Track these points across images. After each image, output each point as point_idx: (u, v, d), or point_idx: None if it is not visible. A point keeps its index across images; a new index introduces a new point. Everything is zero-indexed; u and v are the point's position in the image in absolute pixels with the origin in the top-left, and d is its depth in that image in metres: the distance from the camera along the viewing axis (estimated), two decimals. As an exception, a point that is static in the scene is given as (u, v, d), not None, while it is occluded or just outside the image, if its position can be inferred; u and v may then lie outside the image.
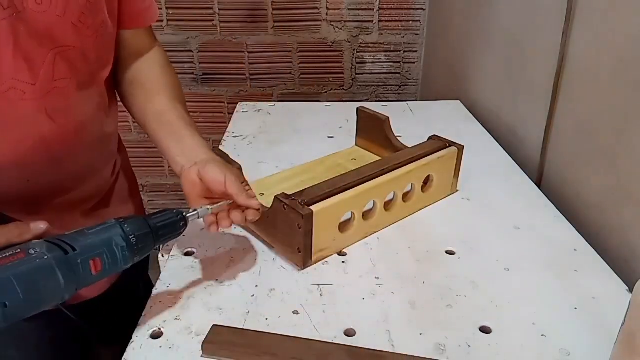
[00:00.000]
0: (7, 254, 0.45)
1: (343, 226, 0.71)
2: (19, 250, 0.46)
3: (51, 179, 0.67)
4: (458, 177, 0.86)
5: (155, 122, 0.71)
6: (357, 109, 0.97)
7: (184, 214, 0.57)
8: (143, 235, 0.52)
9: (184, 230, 0.57)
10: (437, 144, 0.83)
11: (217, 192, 0.61)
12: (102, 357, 0.89)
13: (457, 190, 0.87)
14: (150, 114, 0.72)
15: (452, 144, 0.83)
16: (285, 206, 0.65)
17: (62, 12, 0.59)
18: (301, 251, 0.66)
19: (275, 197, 0.66)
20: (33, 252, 0.46)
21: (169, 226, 0.55)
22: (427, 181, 0.81)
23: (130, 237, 0.51)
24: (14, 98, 0.58)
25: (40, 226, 0.51)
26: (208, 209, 0.59)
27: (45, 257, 0.46)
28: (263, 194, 0.79)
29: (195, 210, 0.58)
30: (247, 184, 0.66)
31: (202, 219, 0.60)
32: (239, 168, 0.73)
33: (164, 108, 0.72)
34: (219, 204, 0.60)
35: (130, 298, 0.75)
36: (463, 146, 0.83)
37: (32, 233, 0.50)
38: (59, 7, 0.58)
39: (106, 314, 0.78)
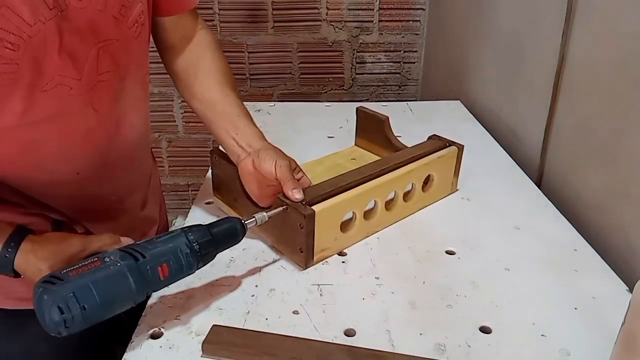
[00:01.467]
0: (86, 262, 0.50)
1: (344, 226, 0.71)
2: (95, 258, 0.51)
3: (98, 171, 0.69)
4: (458, 176, 0.86)
5: (211, 112, 0.74)
6: (357, 109, 0.97)
7: (243, 221, 0.61)
8: (205, 243, 0.56)
9: (243, 237, 0.61)
10: (437, 143, 0.83)
11: (271, 180, 0.66)
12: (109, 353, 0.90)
13: (457, 190, 0.87)
14: (206, 104, 0.75)
15: (452, 143, 0.83)
16: (287, 206, 0.65)
17: (103, 6, 0.60)
18: (303, 251, 0.66)
19: (277, 197, 0.66)
20: (108, 260, 0.51)
21: (229, 234, 0.59)
22: (427, 181, 0.81)
23: (194, 244, 0.55)
24: (62, 94, 0.59)
25: (129, 240, 0.58)
26: (265, 215, 0.61)
27: (119, 264, 0.51)
28: None
29: (253, 217, 0.62)
30: (300, 171, 0.70)
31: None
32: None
33: (217, 97, 0.74)
34: (275, 211, 0.63)
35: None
36: (463, 145, 0.83)
37: (120, 244, 0.56)
38: (99, 2, 0.59)
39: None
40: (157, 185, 0.90)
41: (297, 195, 0.64)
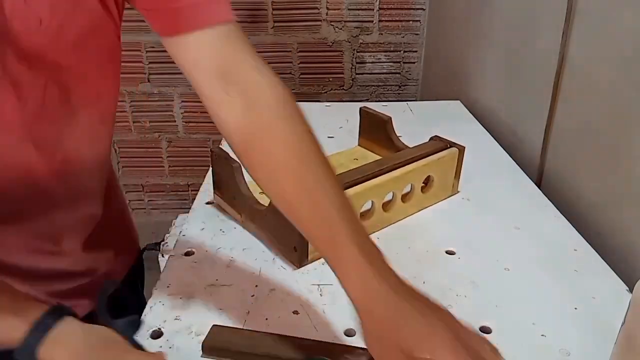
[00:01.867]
0: None
1: None
2: None
3: (37, 209, 0.59)
4: (459, 178, 0.86)
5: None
6: (360, 109, 0.97)
7: None
8: None
9: None
10: (438, 144, 0.83)
11: None
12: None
13: (457, 192, 0.87)
14: (285, 207, 0.51)
15: (453, 144, 0.83)
16: None
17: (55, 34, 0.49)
18: (297, 250, 0.66)
19: None
20: None
21: None
22: (427, 182, 0.81)
23: None
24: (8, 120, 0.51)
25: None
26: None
27: None
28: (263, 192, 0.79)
29: None
30: None
31: None
32: (239, 166, 0.71)
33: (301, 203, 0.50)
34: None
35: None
36: (464, 147, 0.83)
37: None
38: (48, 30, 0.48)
39: (127, 291, 0.76)
40: (118, 219, 0.77)
41: None
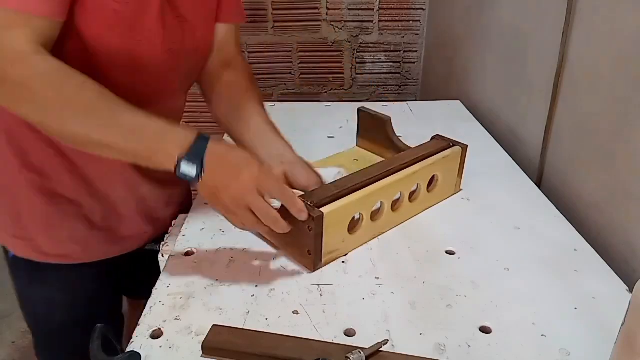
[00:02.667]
0: None
1: (351, 227, 0.71)
2: None
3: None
4: (462, 176, 0.86)
5: (242, 127, 0.80)
6: (358, 109, 0.97)
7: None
8: None
9: None
10: (441, 143, 0.83)
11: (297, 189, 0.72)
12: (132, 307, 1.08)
13: (460, 190, 0.87)
14: (238, 120, 0.81)
15: (456, 143, 0.83)
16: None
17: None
18: (312, 254, 0.66)
19: None
20: None
21: None
22: (431, 181, 0.81)
23: None
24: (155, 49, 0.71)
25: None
26: (361, 353, 0.53)
27: None
28: None
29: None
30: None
31: None
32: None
33: (251, 115, 0.81)
34: (372, 346, 0.54)
35: (154, 259, 0.80)
36: (467, 145, 0.83)
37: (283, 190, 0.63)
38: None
39: (135, 269, 0.88)
40: None
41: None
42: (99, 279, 0.83)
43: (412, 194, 0.78)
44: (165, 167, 0.58)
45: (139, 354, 0.54)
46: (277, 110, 1.25)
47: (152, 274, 0.69)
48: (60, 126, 0.59)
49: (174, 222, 0.83)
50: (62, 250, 0.78)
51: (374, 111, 0.95)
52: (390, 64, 1.89)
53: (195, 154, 0.58)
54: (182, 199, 0.93)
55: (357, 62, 1.88)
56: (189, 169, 0.58)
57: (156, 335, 0.57)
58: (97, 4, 0.62)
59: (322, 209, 0.64)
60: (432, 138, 0.86)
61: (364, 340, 0.57)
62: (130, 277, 0.92)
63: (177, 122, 0.87)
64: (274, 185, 0.62)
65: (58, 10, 0.59)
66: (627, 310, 0.44)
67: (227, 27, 0.83)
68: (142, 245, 0.86)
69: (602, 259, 0.71)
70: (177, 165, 0.57)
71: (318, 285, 0.65)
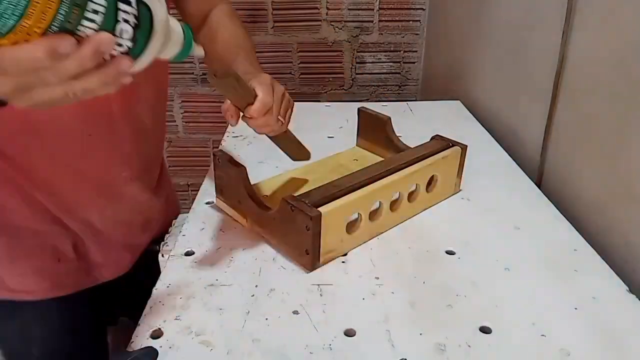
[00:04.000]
0: None
1: (350, 227, 0.71)
2: None
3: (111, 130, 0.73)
4: (461, 176, 0.86)
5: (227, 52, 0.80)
6: (358, 109, 0.97)
7: None
8: None
9: None
10: (441, 143, 0.83)
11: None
12: (127, 326, 0.98)
13: (460, 190, 0.87)
14: (212, 50, 0.80)
15: (455, 143, 0.83)
16: (293, 208, 0.65)
17: None
18: (309, 253, 0.66)
19: (283, 198, 0.66)
20: None
21: None
22: (431, 181, 0.81)
23: None
24: None
25: None
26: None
27: None
28: (267, 196, 0.79)
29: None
30: (286, 106, 0.72)
31: None
32: (244, 170, 0.74)
33: (225, 41, 0.80)
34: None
35: (149, 274, 0.78)
36: (466, 145, 0.83)
37: None
38: None
39: (129, 290, 0.82)
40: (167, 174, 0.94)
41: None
42: (75, 310, 0.79)
43: (411, 194, 0.78)
44: None
45: (155, 349, 0.54)
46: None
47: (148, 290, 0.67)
48: None
49: (174, 221, 0.83)
50: (28, 286, 0.73)
51: (374, 111, 0.95)
52: (390, 64, 1.89)
53: None
54: (160, 225, 0.88)
55: (357, 62, 1.88)
56: None
57: (156, 335, 0.57)
58: None
59: (320, 209, 0.64)
60: (432, 138, 0.86)
61: (364, 340, 0.57)
62: (113, 304, 0.88)
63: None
64: None
65: None
66: None
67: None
68: (120, 274, 0.82)
69: (602, 259, 0.71)
70: None
71: (318, 285, 0.65)
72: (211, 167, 0.87)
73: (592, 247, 0.73)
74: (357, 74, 1.89)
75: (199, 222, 0.78)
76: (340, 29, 1.82)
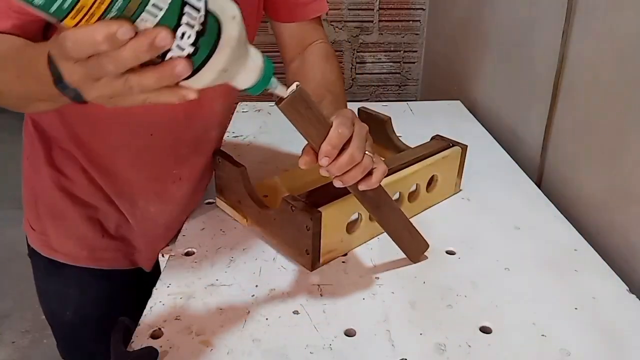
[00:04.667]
0: None
1: (350, 227, 0.71)
2: None
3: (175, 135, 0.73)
4: (461, 176, 0.86)
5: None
6: (359, 109, 0.97)
7: None
8: None
9: None
10: (441, 143, 0.83)
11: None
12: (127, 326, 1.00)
13: (460, 190, 0.87)
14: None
15: (455, 143, 0.83)
16: (293, 208, 0.65)
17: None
18: (309, 253, 0.66)
19: (283, 198, 0.66)
20: None
21: None
22: (431, 181, 0.81)
23: None
24: None
25: None
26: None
27: None
28: (267, 196, 0.79)
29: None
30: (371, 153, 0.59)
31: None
32: (244, 170, 0.74)
33: (323, 84, 0.75)
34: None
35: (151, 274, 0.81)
36: (467, 146, 0.83)
37: None
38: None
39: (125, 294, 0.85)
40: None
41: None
42: (111, 284, 0.82)
43: (411, 194, 0.78)
44: (50, 79, 0.44)
45: (155, 349, 0.54)
46: (278, 110, 1.25)
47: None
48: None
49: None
50: (68, 250, 0.78)
51: (374, 111, 0.95)
52: (390, 64, 1.89)
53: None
54: (179, 225, 0.85)
55: (357, 62, 1.88)
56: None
57: (156, 335, 0.57)
58: None
59: (320, 209, 0.64)
60: (432, 138, 0.86)
61: (364, 340, 0.57)
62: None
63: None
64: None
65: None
66: None
67: (288, 27, 0.80)
68: (153, 263, 0.84)
69: (602, 259, 0.71)
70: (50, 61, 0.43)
71: (318, 285, 0.65)
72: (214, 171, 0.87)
73: (592, 247, 0.73)
74: (357, 74, 1.89)
75: (199, 222, 0.78)
76: (340, 29, 1.82)
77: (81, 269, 0.79)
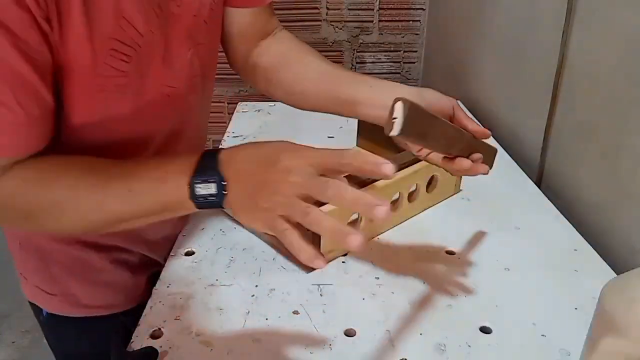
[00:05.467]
0: None
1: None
2: None
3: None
4: (461, 176, 0.86)
5: (322, 82, 0.69)
6: (358, 109, 0.97)
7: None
8: None
9: None
10: None
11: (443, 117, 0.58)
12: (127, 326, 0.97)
13: (460, 190, 0.87)
14: (310, 78, 0.70)
15: None
16: None
17: (197, 11, 0.60)
18: None
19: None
20: None
21: None
22: (431, 181, 0.81)
23: None
24: (162, 102, 0.60)
25: None
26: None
27: None
28: None
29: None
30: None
31: None
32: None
33: (326, 66, 0.70)
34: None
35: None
36: None
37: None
38: (194, 7, 0.60)
39: None
40: None
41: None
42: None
43: (411, 194, 0.78)
44: (186, 207, 0.48)
45: (155, 349, 0.54)
46: (278, 110, 1.25)
47: None
48: (59, 228, 0.55)
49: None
50: (106, 301, 0.74)
51: (374, 111, 0.95)
52: (390, 64, 1.89)
53: (206, 168, 0.47)
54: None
55: (357, 62, 1.88)
56: (206, 188, 0.46)
57: (156, 335, 0.57)
58: (86, 87, 0.51)
59: (320, 209, 0.64)
60: (433, 138, 0.86)
61: (364, 340, 0.57)
62: None
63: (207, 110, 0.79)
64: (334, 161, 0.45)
65: (30, 144, 0.50)
66: (593, 319, 0.44)
67: (243, 13, 0.72)
68: None
69: (602, 259, 0.71)
70: (192, 192, 0.46)
71: (318, 285, 0.65)
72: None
73: (592, 247, 0.73)
74: (357, 74, 1.89)
75: (199, 222, 0.78)
76: (340, 29, 1.82)
77: (117, 315, 0.74)
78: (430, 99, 0.61)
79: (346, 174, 0.45)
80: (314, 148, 0.46)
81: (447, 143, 0.56)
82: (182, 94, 0.63)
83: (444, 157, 0.59)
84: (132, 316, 0.72)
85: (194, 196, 0.47)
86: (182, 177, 0.47)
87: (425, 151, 0.62)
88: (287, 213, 0.44)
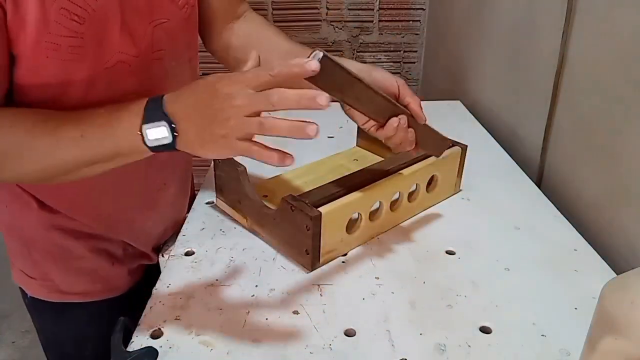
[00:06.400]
0: None
1: (350, 227, 0.71)
2: None
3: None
4: (461, 176, 0.86)
5: (288, 60, 0.71)
6: (358, 109, 0.97)
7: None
8: None
9: None
10: None
11: (388, 94, 0.64)
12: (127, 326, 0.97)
13: (460, 190, 0.87)
14: (276, 57, 0.72)
15: (455, 143, 0.83)
16: (293, 208, 0.65)
17: None
18: (309, 253, 0.66)
19: (283, 198, 0.66)
20: None
21: None
22: (431, 181, 0.81)
23: None
24: (122, 71, 0.61)
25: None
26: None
27: None
28: (267, 196, 0.79)
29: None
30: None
31: None
32: (244, 170, 0.73)
33: (291, 45, 0.76)
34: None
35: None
36: (467, 146, 0.83)
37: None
38: None
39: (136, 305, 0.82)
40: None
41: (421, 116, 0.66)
42: (124, 310, 0.80)
43: (411, 194, 0.78)
44: (140, 151, 0.51)
45: (155, 349, 0.54)
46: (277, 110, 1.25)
47: None
48: (17, 173, 0.56)
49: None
50: (82, 288, 0.75)
51: (374, 111, 0.95)
52: (390, 64, 1.89)
53: (154, 111, 0.50)
54: (179, 214, 0.87)
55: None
56: (158, 131, 0.50)
57: (156, 335, 0.57)
58: (37, 52, 0.53)
59: (320, 209, 0.64)
60: (433, 138, 0.86)
61: (364, 340, 0.57)
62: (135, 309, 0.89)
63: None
64: (263, 79, 0.49)
65: None
66: (593, 320, 0.44)
67: None
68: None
69: (602, 259, 0.71)
70: (144, 136, 0.50)
71: (318, 285, 0.65)
72: (211, 167, 0.88)
73: (592, 247, 0.73)
74: (357, 74, 1.89)
75: (199, 222, 0.78)
76: (340, 29, 1.82)
77: (93, 304, 0.76)
78: (376, 76, 0.67)
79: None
80: (243, 71, 0.51)
81: (376, 110, 0.63)
82: (144, 64, 0.64)
83: (378, 125, 0.65)
84: (117, 307, 0.75)
85: (147, 140, 0.50)
86: (133, 122, 0.51)
87: (352, 111, 0.67)
88: (244, 132, 0.50)
